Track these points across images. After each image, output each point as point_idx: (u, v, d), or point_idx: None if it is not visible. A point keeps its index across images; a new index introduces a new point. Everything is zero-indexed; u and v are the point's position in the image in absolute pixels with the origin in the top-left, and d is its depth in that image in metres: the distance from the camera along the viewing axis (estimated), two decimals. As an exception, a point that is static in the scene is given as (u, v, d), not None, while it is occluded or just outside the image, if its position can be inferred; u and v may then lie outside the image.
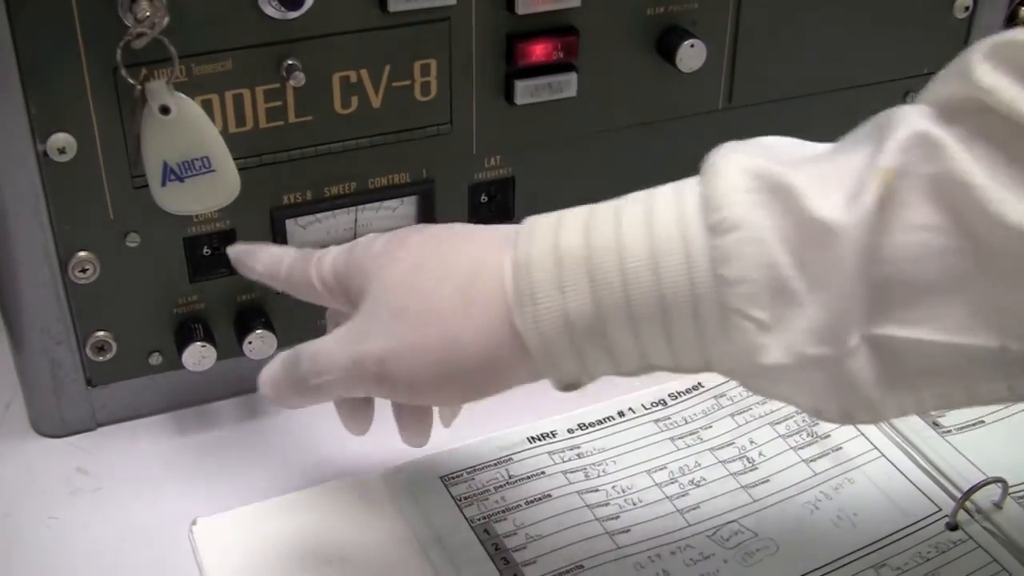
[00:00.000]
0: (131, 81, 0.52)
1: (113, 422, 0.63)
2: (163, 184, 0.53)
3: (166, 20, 0.50)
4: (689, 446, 0.62)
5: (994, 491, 0.58)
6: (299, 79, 0.55)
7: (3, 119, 0.52)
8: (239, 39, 0.54)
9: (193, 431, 0.63)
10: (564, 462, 0.60)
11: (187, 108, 0.52)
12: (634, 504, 0.58)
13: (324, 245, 0.62)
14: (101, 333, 0.60)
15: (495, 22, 0.59)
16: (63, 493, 0.59)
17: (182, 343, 0.60)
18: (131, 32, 0.50)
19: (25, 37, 0.51)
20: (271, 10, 0.53)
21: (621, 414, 0.64)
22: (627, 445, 0.62)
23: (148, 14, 0.50)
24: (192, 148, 0.53)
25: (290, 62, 0.55)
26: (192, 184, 0.54)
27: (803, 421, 0.63)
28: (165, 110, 0.52)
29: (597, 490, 0.59)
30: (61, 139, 0.54)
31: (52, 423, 0.62)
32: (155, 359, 0.62)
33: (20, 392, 0.63)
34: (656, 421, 0.63)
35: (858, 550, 0.56)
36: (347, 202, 0.61)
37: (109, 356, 0.61)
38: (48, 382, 0.61)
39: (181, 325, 0.61)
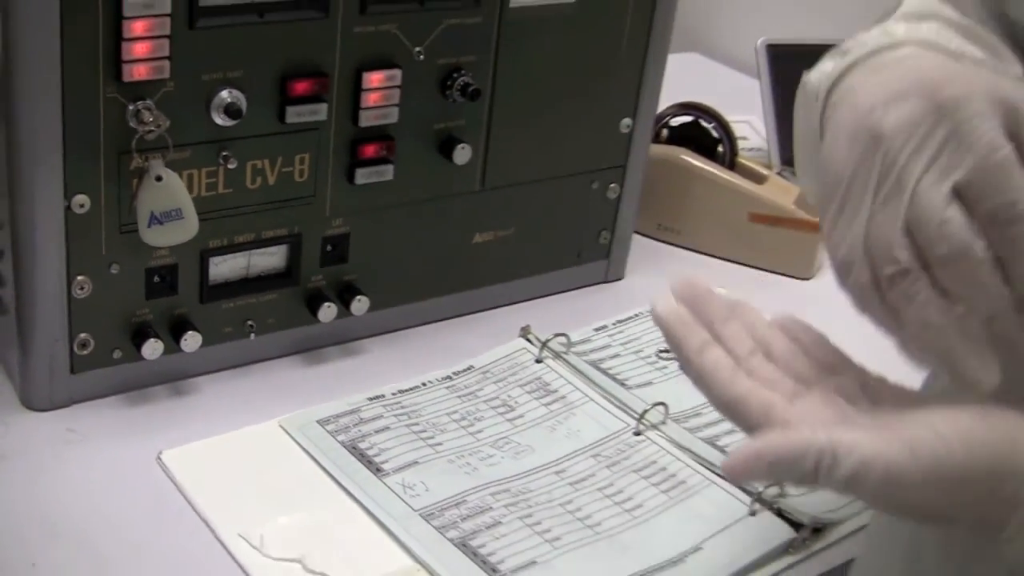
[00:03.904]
0: (138, 159, 0.83)
1: (83, 400, 0.92)
2: (149, 226, 0.85)
3: (168, 123, 0.83)
4: (471, 401, 0.97)
5: (660, 412, 0.95)
6: (233, 163, 0.88)
7: (47, 184, 0.83)
8: (196, 137, 0.86)
9: (142, 404, 0.92)
10: (393, 409, 0.94)
11: (171, 177, 0.84)
12: (441, 431, 0.92)
13: (226, 280, 0.94)
14: (84, 335, 0.89)
15: (345, 131, 0.93)
16: (61, 443, 0.88)
17: (139, 342, 0.90)
18: (145, 128, 0.82)
19: (70, 134, 0.82)
20: (219, 119, 0.86)
21: (424, 384, 0.98)
22: (431, 400, 0.96)
23: (151, 119, 0.82)
24: (171, 203, 0.85)
25: (225, 153, 0.88)
26: (168, 227, 0.85)
27: (540, 383, 0.99)
28: (159, 178, 0.84)
29: (417, 423, 0.93)
30: (81, 198, 0.84)
31: (43, 400, 0.90)
32: (116, 354, 0.91)
33: (6, 381, 0.92)
34: (447, 388, 0.98)
35: (582, 449, 0.92)
36: (247, 247, 0.93)
37: (88, 351, 0.90)
38: (46, 371, 0.89)
39: (136, 330, 0.91)
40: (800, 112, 0.70)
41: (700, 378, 0.61)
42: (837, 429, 0.55)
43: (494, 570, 0.80)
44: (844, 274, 0.58)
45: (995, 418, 0.54)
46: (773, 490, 0.88)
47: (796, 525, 0.86)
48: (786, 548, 0.86)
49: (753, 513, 0.87)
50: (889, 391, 0.62)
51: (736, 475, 0.57)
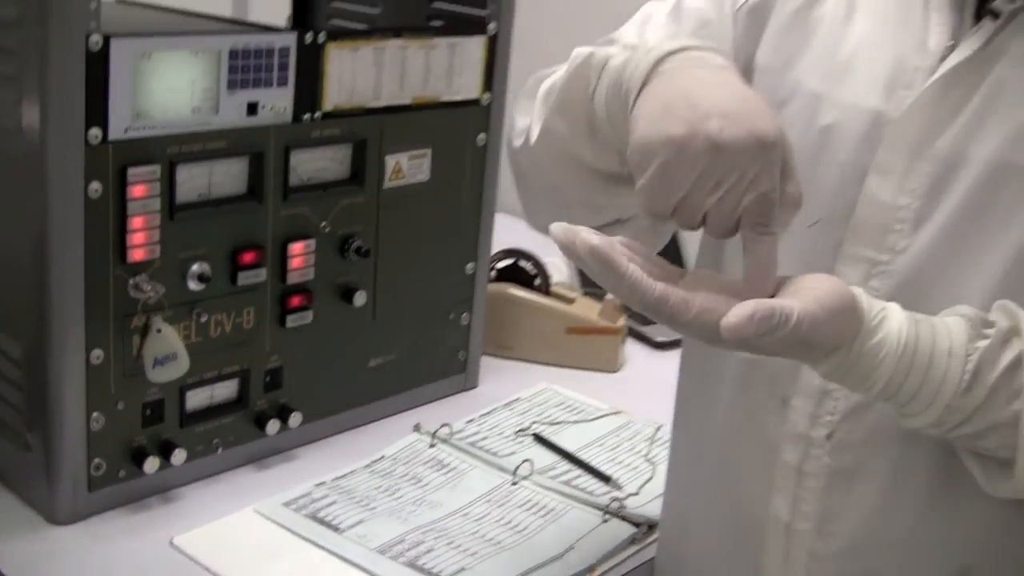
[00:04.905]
0: (138, 319, 1.15)
1: (98, 512, 1.20)
2: (153, 367, 1.16)
3: (164, 290, 1.15)
4: (389, 478, 1.29)
5: (528, 467, 1.30)
6: (203, 318, 1.20)
7: (73, 344, 1.13)
8: (177, 299, 1.18)
9: (143, 511, 1.21)
10: (335, 490, 1.26)
11: (168, 329, 1.16)
12: (374, 500, 1.24)
13: (197, 409, 1.24)
14: (98, 459, 1.18)
15: (278, 288, 1.27)
16: (91, 544, 1.15)
17: (139, 461, 1.19)
18: (145, 295, 1.14)
19: (89, 305, 1.12)
20: (192, 285, 1.18)
21: (352, 472, 1.30)
22: (361, 481, 1.28)
23: (149, 288, 1.14)
24: (169, 348, 1.16)
25: (197, 310, 1.20)
26: (168, 367, 1.16)
27: (436, 460, 1.32)
28: (159, 331, 1.15)
29: (355, 496, 1.25)
30: (97, 352, 1.14)
31: (68, 515, 1.18)
32: (121, 473, 1.20)
33: (28, 509, 1.19)
34: (370, 472, 1.30)
35: (477, 498, 1.26)
36: (211, 382, 1.24)
37: (101, 472, 1.18)
38: (70, 491, 1.17)
39: (135, 452, 1.20)
40: (579, 73, 0.93)
41: (633, 286, 0.76)
42: (777, 300, 0.77)
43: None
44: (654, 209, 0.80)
45: (834, 280, 0.81)
46: (616, 504, 1.24)
47: (636, 525, 1.22)
48: (631, 541, 1.21)
49: (605, 520, 1.23)
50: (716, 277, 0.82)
51: (738, 331, 0.74)
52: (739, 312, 0.74)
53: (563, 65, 0.97)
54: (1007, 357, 0.81)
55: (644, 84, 0.83)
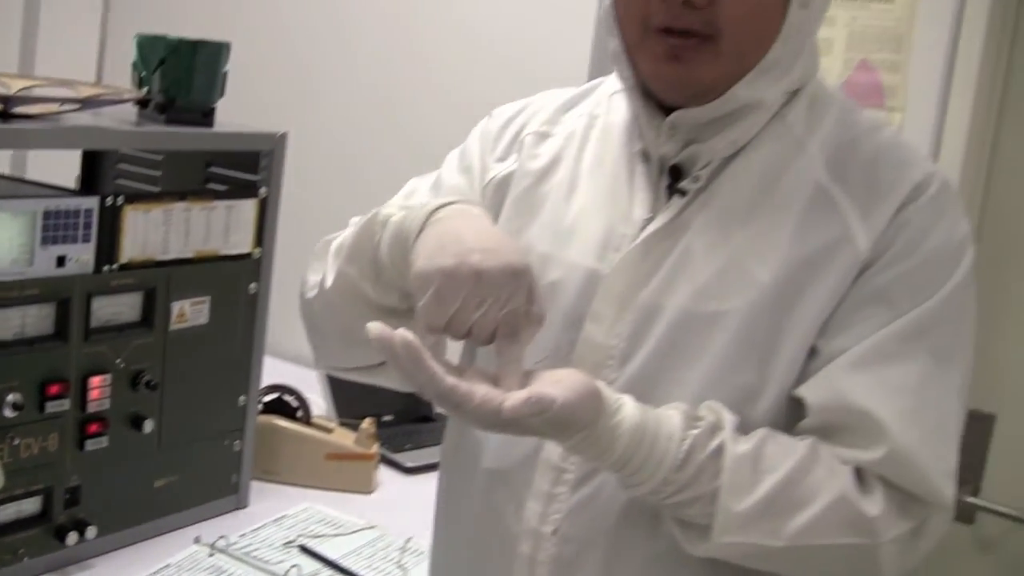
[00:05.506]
0: (-36, 442, 1.32)
1: (-87, 617, 1.34)
2: (-27, 484, 1.33)
3: (-15, 415, 1.32)
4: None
5: (296, 571, 1.51)
6: (16, 441, 1.37)
7: (-98, 465, 1.29)
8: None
9: (-45, 613, 1.36)
10: (130, 591, 1.44)
11: (-14, 450, 1.33)
12: (165, 599, 1.43)
13: (9, 521, 1.41)
14: (-83, 568, 1.33)
15: (78, 416, 1.45)
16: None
17: (-43, 568, 1.35)
18: (-30, 421, 1.31)
19: (-82, 429, 1.29)
20: (7, 413, 1.36)
21: (167, 566, 1.48)
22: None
23: (-29, 415, 1.32)
24: (-14, 467, 1.33)
25: (11, 435, 1.37)
26: (-15, 482, 1.33)
27: (216, 567, 1.52)
28: (-21, 451, 1.32)
29: (149, 597, 1.43)
30: (-77, 472, 1.31)
31: None
32: (-60, 580, 1.35)
33: None
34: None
35: (256, 595, 1.46)
36: (19, 498, 1.41)
37: (-81, 580, 1.34)
38: None
39: (-48, 561, 1.36)
40: (366, 228, 1.12)
41: (431, 378, 0.92)
42: (544, 389, 0.95)
43: (227, 655, 1.32)
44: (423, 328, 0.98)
45: (581, 374, 0.99)
46: (378, 595, 1.47)
47: (396, 611, 1.45)
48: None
49: (369, 608, 1.45)
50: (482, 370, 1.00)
51: (516, 412, 0.92)
52: (517, 397, 0.93)
53: (343, 231, 1.20)
54: (713, 444, 1.02)
55: (421, 230, 1.03)
